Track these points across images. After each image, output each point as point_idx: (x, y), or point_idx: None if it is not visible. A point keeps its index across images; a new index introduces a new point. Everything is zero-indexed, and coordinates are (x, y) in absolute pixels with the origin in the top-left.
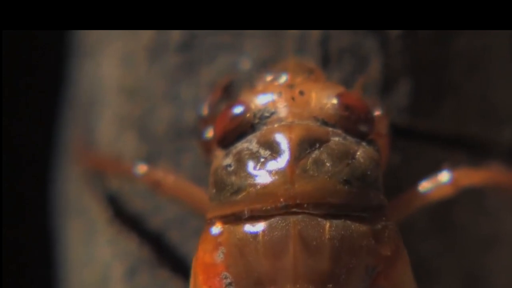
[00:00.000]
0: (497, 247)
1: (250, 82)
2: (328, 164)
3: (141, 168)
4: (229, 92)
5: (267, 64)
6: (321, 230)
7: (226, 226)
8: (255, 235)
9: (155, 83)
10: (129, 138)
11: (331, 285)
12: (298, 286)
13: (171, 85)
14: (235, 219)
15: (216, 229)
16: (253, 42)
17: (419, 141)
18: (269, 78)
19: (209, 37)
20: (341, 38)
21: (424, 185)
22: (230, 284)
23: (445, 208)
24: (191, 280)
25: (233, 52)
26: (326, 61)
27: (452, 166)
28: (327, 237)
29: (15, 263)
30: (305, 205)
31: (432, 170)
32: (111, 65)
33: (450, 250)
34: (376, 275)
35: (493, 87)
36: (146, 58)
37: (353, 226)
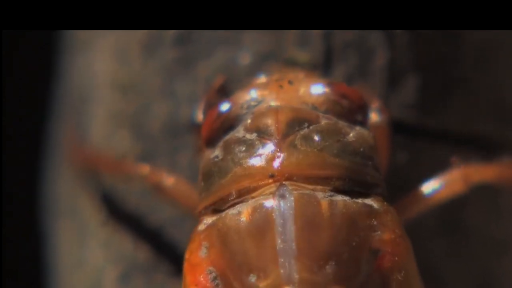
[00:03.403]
0: (510, 251)
1: (249, 77)
2: (317, 139)
3: (143, 169)
4: (225, 94)
5: (267, 58)
6: (315, 206)
7: (210, 219)
8: (238, 218)
9: (150, 79)
10: (123, 136)
11: (328, 264)
12: (291, 264)
13: (167, 80)
14: (223, 203)
15: (201, 226)
16: (252, 36)
17: (427, 139)
18: (258, 79)
19: (206, 31)
20: (345, 31)
21: (434, 183)
22: (215, 278)
23: (455, 208)
24: (182, 283)
25: (232, 46)
26: (329, 56)
27: (462, 162)
28: (324, 214)
29: (3, 265)
30: (295, 178)
31: (440, 169)
32: (104, 60)
33: (460, 253)
34: (380, 258)
35: (504, 83)
36: (141, 53)
37: (351, 203)
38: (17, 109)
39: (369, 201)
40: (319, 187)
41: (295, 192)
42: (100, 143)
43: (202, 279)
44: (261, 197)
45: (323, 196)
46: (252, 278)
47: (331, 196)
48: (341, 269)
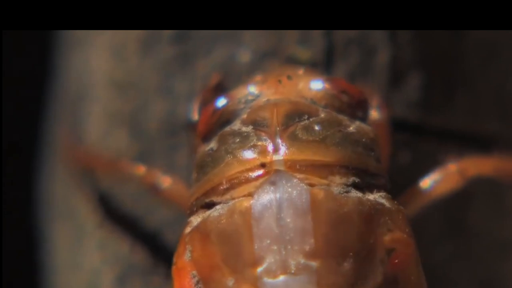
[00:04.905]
0: None
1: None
2: (318, 129)
3: (139, 169)
4: (221, 92)
5: (267, 56)
6: (332, 201)
7: (196, 220)
8: (218, 221)
9: (147, 77)
10: (120, 135)
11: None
12: (287, 250)
13: (164, 78)
14: (214, 194)
15: (187, 228)
16: (252, 33)
17: (430, 138)
18: (256, 78)
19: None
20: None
21: (430, 179)
22: (198, 282)
23: (459, 210)
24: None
25: (231, 44)
26: (330, 54)
27: (458, 156)
28: (339, 209)
29: (1, 267)
30: (298, 166)
31: None
32: (100, 57)
33: (465, 255)
34: (393, 257)
35: (507, 82)
36: (138, 50)
37: (365, 200)
38: (15, 108)
39: (380, 199)
40: (314, 174)
41: (310, 187)
42: (97, 142)
43: (187, 283)
44: (241, 198)
45: (338, 192)
46: (230, 282)
47: (346, 192)
48: (357, 265)
